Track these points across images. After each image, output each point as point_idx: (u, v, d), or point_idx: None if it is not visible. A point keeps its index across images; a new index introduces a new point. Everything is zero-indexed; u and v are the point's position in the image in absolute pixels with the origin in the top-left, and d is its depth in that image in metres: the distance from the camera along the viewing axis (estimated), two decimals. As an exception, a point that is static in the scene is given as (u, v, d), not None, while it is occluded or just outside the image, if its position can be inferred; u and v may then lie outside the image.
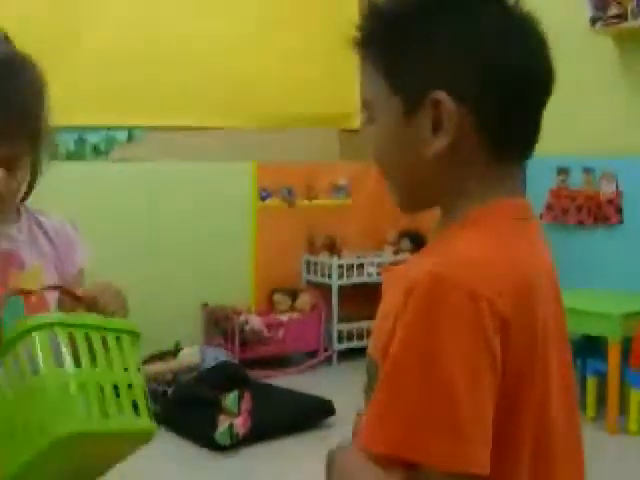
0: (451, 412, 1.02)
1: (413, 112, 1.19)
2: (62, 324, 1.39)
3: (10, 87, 1.59)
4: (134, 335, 1.47)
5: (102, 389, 1.36)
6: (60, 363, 1.35)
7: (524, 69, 1.18)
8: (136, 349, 1.46)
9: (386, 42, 1.22)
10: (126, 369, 1.42)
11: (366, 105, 1.25)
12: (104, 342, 1.40)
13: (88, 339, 1.38)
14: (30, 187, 1.75)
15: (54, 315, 1.51)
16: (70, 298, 1.59)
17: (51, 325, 1.38)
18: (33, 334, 1.35)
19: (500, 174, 1.21)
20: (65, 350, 1.35)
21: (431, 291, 1.06)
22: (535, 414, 1.14)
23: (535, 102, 1.22)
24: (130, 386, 1.41)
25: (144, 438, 1.45)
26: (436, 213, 1.28)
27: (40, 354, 1.34)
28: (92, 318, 1.45)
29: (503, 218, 1.20)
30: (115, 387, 1.38)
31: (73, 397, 1.32)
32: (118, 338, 1.43)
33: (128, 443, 1.45)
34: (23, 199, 1.78)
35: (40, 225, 1.81)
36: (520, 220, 1.22)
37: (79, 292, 1.58)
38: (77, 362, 1.36)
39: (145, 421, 1.42)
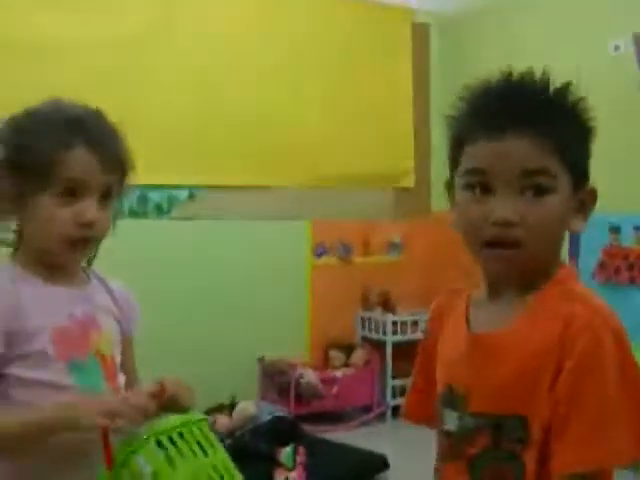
0: None
1: (575, 192, 1.38)
2: (157, 433, 1.58)
3: (109, 126, 1.80)
4: (207, 421, 1.68)
5: (211, 474, 1.58)
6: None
7: None
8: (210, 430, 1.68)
9: (560, 120, 1.37)
10: (215, 449, 1.63)
11: (544, 174, 1.35)
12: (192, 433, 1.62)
13: (180, 438, 1.59)
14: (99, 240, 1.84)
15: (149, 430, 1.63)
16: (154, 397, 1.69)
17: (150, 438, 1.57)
18: (138, 455, 1.55)
19: None
20: (163, 455, 1.55)
21: (615, 334, 1.33)
22: None
23: None
24: (225, 465, 1.62)
25: None
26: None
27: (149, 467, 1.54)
28: (178, 418, 1.63)
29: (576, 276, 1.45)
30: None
31: None
32: (199, 428, 1.64)
33: None
34: (89, 261, 1.89)
35: (108, 289, 1.91)
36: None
37: (158, 389, 1.69)
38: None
39: None
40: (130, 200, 5.40)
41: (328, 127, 6.15)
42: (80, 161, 1.69)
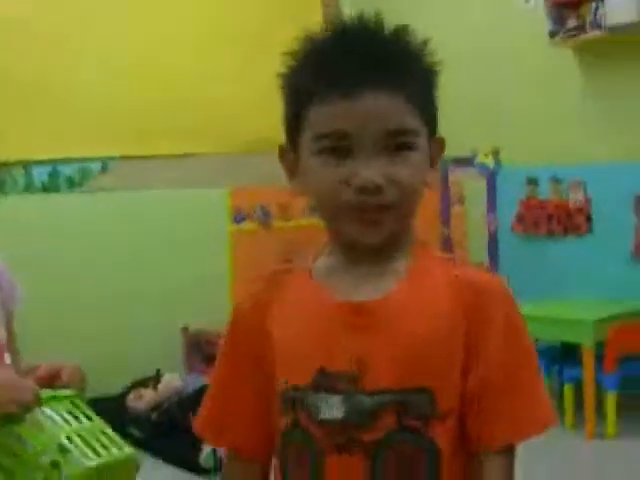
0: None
1: (428, 145, 1.28)
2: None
3: None
4: (81, 397, 1.74)
5: (83, 437, 1.62)
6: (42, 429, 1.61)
7: None
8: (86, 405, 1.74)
9: (417, 76, 1.27)
10: (90, 419, 1.69)
11: (409, 133, 1.24)
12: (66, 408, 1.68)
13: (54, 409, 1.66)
14: None
15: None
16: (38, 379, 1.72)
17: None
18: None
19: None
20: (45, 419, 1.62)
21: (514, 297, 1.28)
22: None
23: None
24: (103, 431, 1.67)
25: (133, 464, 1.66)
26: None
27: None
28: (49, 392, 1.70)
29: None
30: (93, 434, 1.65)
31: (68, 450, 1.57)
32: (72, 402, 1.71)
33: (124, 472, 1.66)
34: None
35: None
36: None
37: (41, 372, 1.73)
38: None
39: (128, 449, 1.66)
40: (41, 175, 5.27)
41: (243, 92, 6.06)
42: None
